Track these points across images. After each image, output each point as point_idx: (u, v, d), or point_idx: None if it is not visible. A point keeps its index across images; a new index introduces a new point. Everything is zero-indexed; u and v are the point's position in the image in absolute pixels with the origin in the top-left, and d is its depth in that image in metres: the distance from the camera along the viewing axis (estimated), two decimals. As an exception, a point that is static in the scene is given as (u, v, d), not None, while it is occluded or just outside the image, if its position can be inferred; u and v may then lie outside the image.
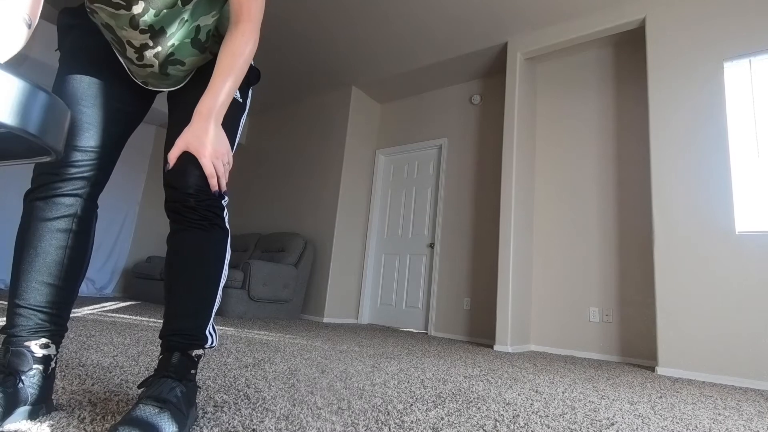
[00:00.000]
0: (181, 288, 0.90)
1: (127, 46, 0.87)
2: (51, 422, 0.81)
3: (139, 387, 0.84)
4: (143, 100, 1.03)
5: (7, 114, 0.43)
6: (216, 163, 0.85)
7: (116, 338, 1.89)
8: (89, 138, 0.90)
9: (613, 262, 3.25)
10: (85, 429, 0.79)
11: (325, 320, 4.30)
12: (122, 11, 0.80)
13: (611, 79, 3.59)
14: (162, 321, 2.77)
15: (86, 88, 0.92)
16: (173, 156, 0.84)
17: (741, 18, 2.79)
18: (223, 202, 0.94)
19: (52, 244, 0.87)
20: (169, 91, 1.01)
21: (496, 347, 3.16)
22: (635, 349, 3.02)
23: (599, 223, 3.37)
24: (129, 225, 5.39)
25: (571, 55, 3.83)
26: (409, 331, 4.05)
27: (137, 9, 0.80)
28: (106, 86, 0.94)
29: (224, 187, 0.89)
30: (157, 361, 0.87)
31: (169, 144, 0.92)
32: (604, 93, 3.60)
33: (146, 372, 1.30)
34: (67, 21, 0.98)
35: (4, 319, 2.15)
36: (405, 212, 4.69)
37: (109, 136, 0.94)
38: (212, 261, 0.93)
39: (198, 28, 0.90)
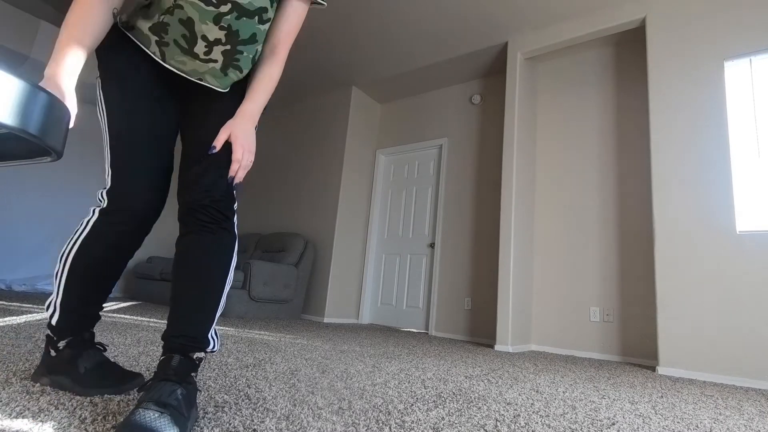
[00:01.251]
0: (186, 291, 0.93)
1: (200, 40, 0.96)
2: (52, 422, 0.81)
3: (138, 391, 0.85)
4: (177, 119, 1.11)
5: (8, 114, 0.43)
6: (245, 154, 0.96)
7: (117, 338, 1.89)
8: (148, 177, 1.01)
9: (614, 261, 3.24)
10: (86, 429, 0.79)
11: (326, 320, 4.30)
12: (211, 8, 0.93)
13: (612, 78, 3.59)
14: (164, 322, 2.78)
15: (140, 127, 1.01)
16: (221, 140, 0.95)
17: (741, 17, 2.78)
18: (234, 206, 1.01)
19: (110, 259, 1.02)
20: (195, 102, 1.08)
21: (497, 347, 3.16)
22: (636, 349, 3.02)
23: (600, 223, 3.37)
24: (129, 225, 5.39)
25: (572, 55, 3.83)
26: (409, 331, 4.05)
27: (224, 8, 0.94)
28: (156, 118, 1.03)
29: (240, 178, 0.97)
30: (158, 363, 0.91)
31: (198, 143, 1.00)
32: (604, 92, 3.60)
33: (147, 372, 1.30)
34: (109, 45, 1.00)
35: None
36: (405, 212, 4.69)
37: (161, 171, 1.05)
38: (218, 265, 0.97)
39: (257, 51, 1.05)
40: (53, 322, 1.02)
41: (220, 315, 3.76)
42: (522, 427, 1.09)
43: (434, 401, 1.28)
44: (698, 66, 2.87)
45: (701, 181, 2.71)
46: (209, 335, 0.95)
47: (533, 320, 3.51)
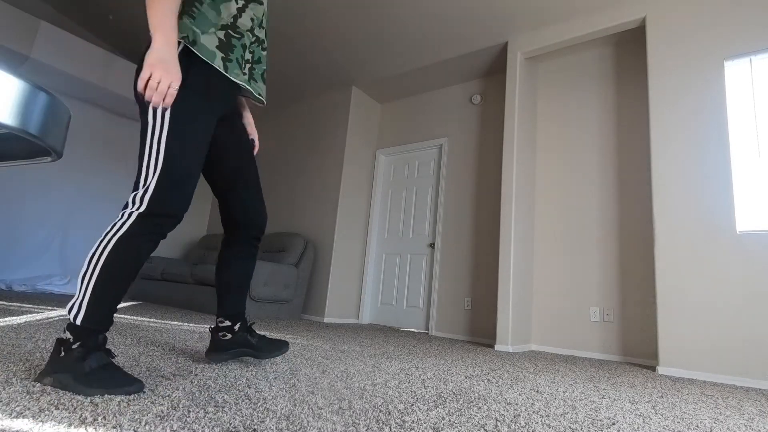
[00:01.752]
0: (241, 286, 1.50)
1: (243, 62, 1.33)
2: (52, 422, 0.81)
3: (243, 324, 1.50)
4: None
5: (8, 114, 0.43)
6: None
7: (117, 338, 1.89)
8: (193, 186, 1.20)
9: (614, 261, 3.24)
10: (86, 429, 0.79)
11: (326, 320, 4.30)
12: (246, 41, 1.34)
13: (612, 78, 3.59)
14: (164, 322, 2.78)
15: (204, 139, 1.22)
16: (255, 134, 1.58)
17: (741, 17, 2.78)
18: None
19: (141, 259, 1.13)
20: (225, 125, 1.45)
21: (497, 347, 3.16)
22: (636, 349, 3.02)
23: (600, 223, 3.37)
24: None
25: (572, 55, 3.83)
26: (409, 331, 4.05)
27: (252, 39, 1.38)
28: (211, 132, 1.25)
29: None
30: (238, 325, 1.49)
31: (246, 145, 1.50)
32: (604, 92, 3.60)
33: (147, 372, 1.30)
34: (188, 62, 1.20)
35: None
36: (405, 212, 4.69)
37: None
38: (253, 272, 1.57)
39: (265, 68, 1.50)
40: (78, 321, 1.04)
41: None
42: (522, 427, 1.09)
43: (434, 401, 1.28)
44: (698, 66, 2.87)
45: (701, 180, 2.71)
46: None
47: (533, 320, 3.51)
